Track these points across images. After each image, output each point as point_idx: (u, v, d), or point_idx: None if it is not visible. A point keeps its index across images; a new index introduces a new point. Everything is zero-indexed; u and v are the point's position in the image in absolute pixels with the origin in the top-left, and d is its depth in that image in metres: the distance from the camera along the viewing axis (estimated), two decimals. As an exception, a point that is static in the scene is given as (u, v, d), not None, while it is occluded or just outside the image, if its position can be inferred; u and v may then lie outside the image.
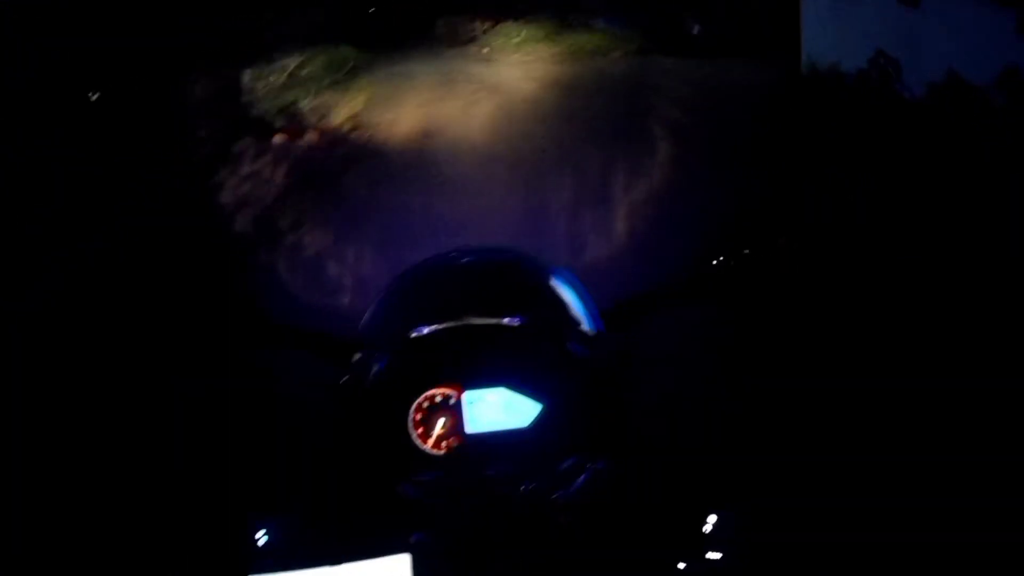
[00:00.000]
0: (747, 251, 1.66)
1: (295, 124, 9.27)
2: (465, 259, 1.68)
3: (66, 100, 7.31)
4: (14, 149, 6.31)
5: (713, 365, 4.44)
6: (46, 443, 4.01)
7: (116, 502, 3.68)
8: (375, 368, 1.48)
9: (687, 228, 6.02)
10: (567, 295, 1.58)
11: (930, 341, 4.27)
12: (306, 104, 9.78)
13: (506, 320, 1.49)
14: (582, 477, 1.44)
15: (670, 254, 5.41)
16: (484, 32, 12.42)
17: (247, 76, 9.73)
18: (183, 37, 8.66)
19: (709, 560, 1.44)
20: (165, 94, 8.30)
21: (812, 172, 6.74)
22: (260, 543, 1.44)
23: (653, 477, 1.53)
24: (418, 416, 1.49)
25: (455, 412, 1.49)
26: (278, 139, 8.66)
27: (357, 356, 1.52)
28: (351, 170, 8.07)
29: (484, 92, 10.39)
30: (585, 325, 1.54)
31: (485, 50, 12.17)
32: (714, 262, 1.67)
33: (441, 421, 1.49)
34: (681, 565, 1.42)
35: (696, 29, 11.95)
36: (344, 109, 9.78)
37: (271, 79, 9.80)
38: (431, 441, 1.49)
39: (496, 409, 1.48)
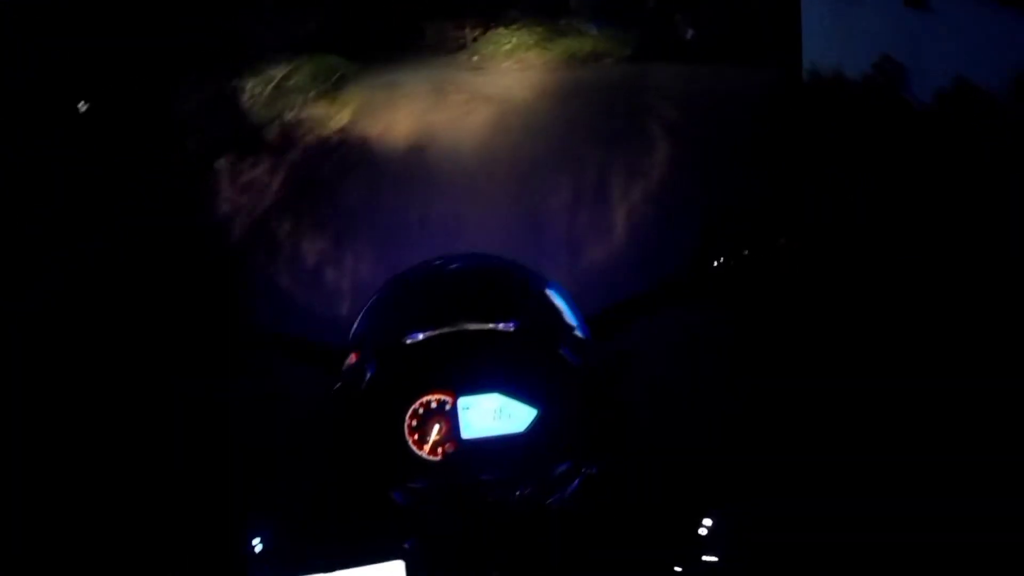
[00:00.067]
0: (746, 252, 1.71)
1: (282, 134, 9.37)
2: (454, 265, 1.73)
3: (66, 100, 7.48)
4: (14, 149, 6.47)
5: (710, 366, 4.57)
6: (46, 443, 4.12)
7: (115, 503, 3.78)
8: (368, 374, 1.52)
9: (684, 231, 6.06)
10: (558, 301, 1.63)
11: (929, 341, 4.38)
12: (293, 115, 9.89)
13: (500, 325, 1.53)
14: (576, 481, 1.50)
15: (667, 257, 5.44)
16: (474, 40, 12.62)
17: (234, 86, 9.83)
18: (177, 39, 8.78)
19: (706, 562, 1.49)
20: (157, 98, 8.43)
21: (812, 173, 6.85)
22: (254, 549, 1.49)
23: (648, 480, 1.65)
24: (413, 422, 1.51)
25: (450, 418, 1.51)
26: (266, 148, 8.74)
27: (350, 362, 1.56)
28: (339, 179, 8.12)
29: (476, 103, 10.50)
30: (577, 331, 1.59)
31: (475, 58, 12.34)
32: (714, 263, 1.70)
33: (436, 427, 1.50)
34: (678, 568, 1.48)
35: (690, 33, 12.06)
36: (332, 121, 9.90)
37: (257, 90, 9.90)
38: (426, 447, 1.50)
39: (491, 414, 1.52)
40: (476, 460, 1.50)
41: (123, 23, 8.19)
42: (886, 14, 8.58)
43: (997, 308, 4.59)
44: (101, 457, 4.08)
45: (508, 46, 12.29)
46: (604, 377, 1.56)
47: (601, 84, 11.00)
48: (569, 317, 1.58)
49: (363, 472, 1.53)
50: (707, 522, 1.52)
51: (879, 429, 3.83)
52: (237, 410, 4.20)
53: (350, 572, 1.42)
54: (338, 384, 1.55)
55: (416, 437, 1.50)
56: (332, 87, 10.77)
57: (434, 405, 1.50)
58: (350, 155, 8.93)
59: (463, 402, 1.50)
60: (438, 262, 1.71)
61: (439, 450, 1.50)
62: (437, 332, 1.50)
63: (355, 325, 1.61)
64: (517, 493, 1.48)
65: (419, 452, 1.50)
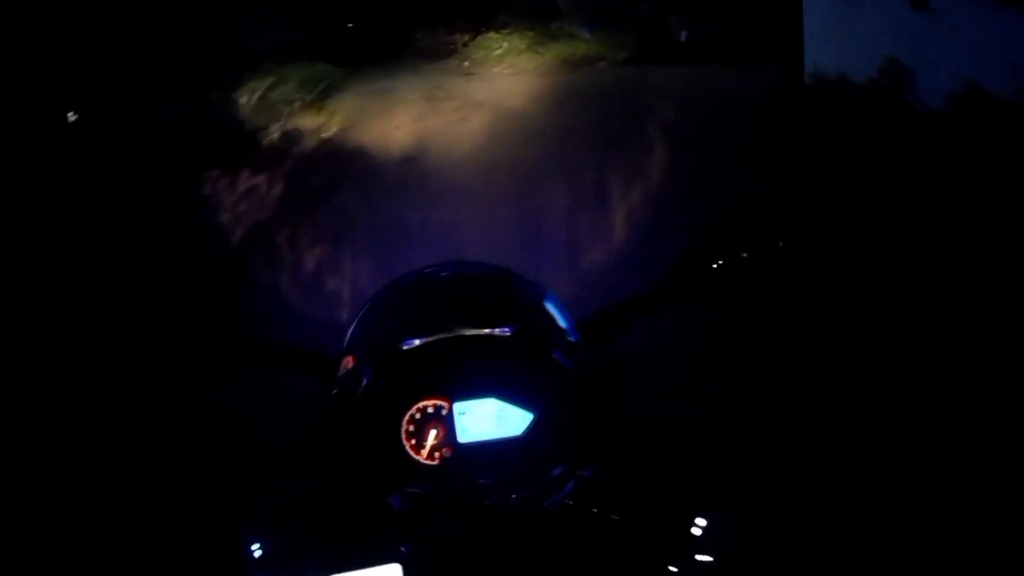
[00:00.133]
0: (745, 255, 1.77)
1: (270, 144, 9.46)
2: (446, 272, 1.79)
3: (66, 100, 7.58)
4: (14, 149, 6.57)
5: (707, 368, 4.68)
6: (46, 443, 4.21)
7: (115, 503, 3.87)
8: (365, 380, 1.56)
9: (684, 235, 6.07)
10: (550, 307, 1.69)
11: (929, 345, 4.48)
12: (280, 124, 9.97)
13: (496, 331, 1.58)
14: (572, 484, 1.57)
15: (666, 262, 5.42)
16: (464, 45, 12.73)
17: (220, 94, 9.93)
18: (172, 41, 8.89)
19: (701, 564, 1.56)
20: (155, 99, 8.56)
21: (813, 175, 6.97)
22: (252, 554, 1.55)
23: (644, 481, 1.67)
24: (410, 427, 1.56)
25: (446, 423, 1.57)
26: (254, 158, 8.82)
27: (346, 369, 1.61)
28: (327, 192, 8.18)
29: (467, 109, 10.60)
30: (570, 335, 1.65)
31: (466, 63, 12.44)
32: (712, 265, 1.77)
33: (433, 432, 1.56)
34: (673, 568, 1.54)
35: (684, 36, 12.16)
36: (319, 130, 9.97)
37: (243, 99, 9.99)
38: (424, 452, 1.56)
39: (487, 419, 1.57)
40: (473, 464, 1.55)
41: (118, 24, 8.34)
42: (890, 15, 8.62)
43: (1002, 312, 4.70)
44: (101, 457, 4.17)
45: (499, 51, 12.40)
46: (600, 380, 1.62)
47: (595, 89, 11.09)
48: (562, 322, 1.64)
49: (360, 477, 1.58)
50: (701, 522, 1.58)
51: (876, 432, 3.92)
52: (236, 412, 4.27)
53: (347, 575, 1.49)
54: (335, 390, 1.60)
55: (413, 442, 1.55)
56: (320, 95, 10.83)
57: (431, 410, 1.55)
58: (338, 166, 8.95)
59: (459, 407, 1.56)
60: (430, 269, 1.77)
61: (436, 455, 1.55)
62: (433, 338, 1.56)
63: (350, 332, 1.67)
64: (513, 496, 1.53)
65: (416, 457, 1.55)
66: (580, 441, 1.57)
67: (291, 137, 9.82)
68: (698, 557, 1.56)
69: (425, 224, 7.05)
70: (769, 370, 4.48)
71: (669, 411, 4.12)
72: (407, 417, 1.55)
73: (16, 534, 3.67)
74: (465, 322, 1.58)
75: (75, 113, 7.71)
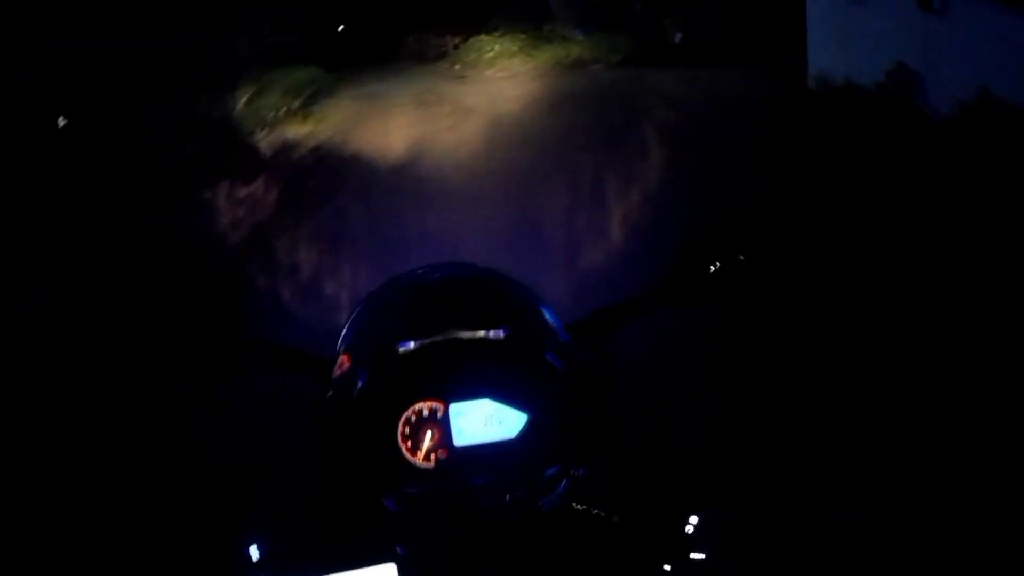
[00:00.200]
0: (743, 257, 1.83)
1: (256, 152, 9.45)
2: (438, 275, 1.84)
3: (66, 100, 7.66)
4: (14, 149, 6.70)
5: (701, 368, 4.82)
6: (46, 443, 4.31)
7: (114, 503, 3.98)
8: (360, 383, 1.61)
9: (682, 238, 6.13)
10: (541, 308, 1.74)
11: (930, 350, 4.57)
12: (266, 130, 9.98)
13: (491, 333, 1.63)
14: (566, 483, 1.62)
15: (665, 268, 5.43)
16: (455, 47, 12.75)
17: (203, 100, 9.91)
18: (164, 42, 8.95)
19: (694, 562, 1.61)
20: (153, 100, 8.69)
21: (816, 180, 7.02)
22: (249, 555, 1.60)
23: (638, 481, 1.74)
24: (405, 430, 1.60)
25: (442, 425, 1.60)
26: (243, 165, 8.85)
27: (341, 371, 1.66)
28: (316, 202, 8.24)
29: (459, 115, 10.60)
30: (562, 337, 1.70)
31: (457, 66, 12.48)
32: (711, 268, 1.83)
33: (429, 434, 1.60)
34: (667, 568, 1.60)
35: (679, 37, 12.22)
36: (307, 138, 9.96)
37: (229, 105, 9.99)
38: (420, 454, 1.60)
39: (482, 421, 1.61)
40: (468, 466, 1.59)
41: (115, 25, 8.44)
42: (898, 17, 8.51)
43: (1004, 316, 4.80)
44: (101, 457, 4.26)
45: (491, 54, 12.45)
46: (593, 380, 1.67)
47: (591, 92, 11.08)
48: (554, 324, 1.71)
49: (356, 479, 1.63)
50: (695, 521, 1.64)
51: (874, 433, 4.04)
52: (233, 413, 4.33)
53: None
54: (330, 392, 1.66)
55: (409, 444, 1.59)
56: (308, 100, 10.86)
57: (426, 413, 1.59)
58: (326, 177, 8.95)
59: (455, 409, 1.60)
60: (423, 271, 1.84)
61: (432, 457, 1.59)
62: (428, 341, 1.61)
63: (343, 334, 1.73)
64: (508, 497, 1.59)
65: (412, 459, 1.59)
66: (574, 441, 1.62)
67: (277, 146, 9.78)
68: (693, 556, 1.62)
69: (416, 238, 7.05)
70: (763, 373, 4.63)
71: (663, 411, 4.23)
72: (403, 420, 1.59)
73: (16, 534, 3.76)
74: (459, 324, 1.63)
75: (64, 119, 7.79)
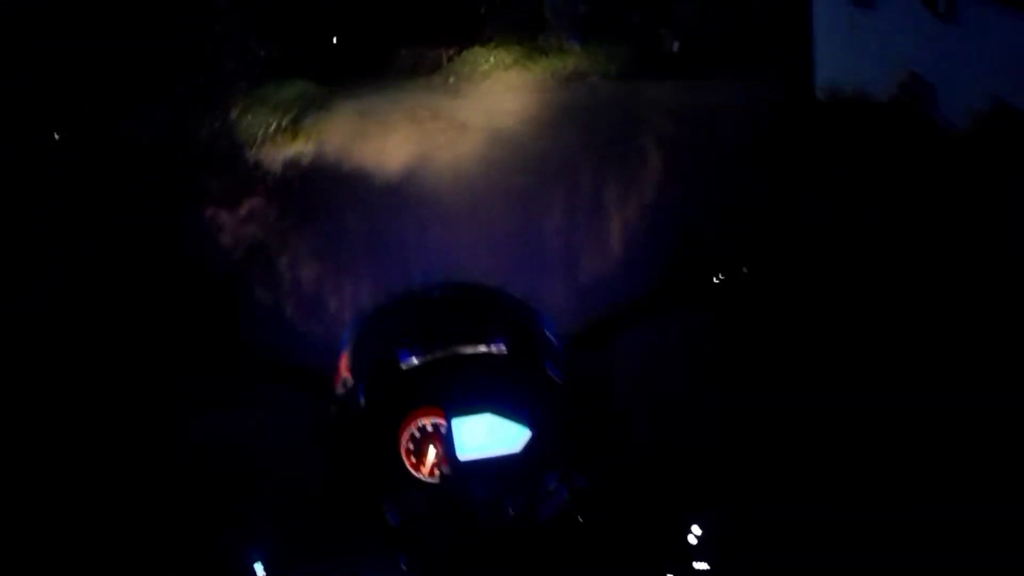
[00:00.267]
0: (746, 269, 1.93)
1: (244, 170, 9.29)
2: (438, 291, 1.95)
3: (66, 100, 7.71)
4: (14, 149, 6.83)
5: (701, 375, 4.89)
6: (46, 443, 4.43)
7: (114, 504, 4.10)
8: (363, 398, 1.69)
9: (680, 247, 6.28)
10: (540, 323, 1.83)
11: (931, 352, 4.60)
12: (254, 147, 9.88)
13: (493, 348, 1.70)
14: (566, 494, 1.70)
15: (661, 275, 5.66)
16: (449, 60, 12.78)
17: (186, 118, 9.70)
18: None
19: (695, 568, 1.67)
20: (152, 101, 8.72)
21: (817, 182, 7.02)
22: (253, 568, 1.65)
23: (637, 489, 1.81)
24: (409, 444, 1.68)
25: (445, 440, 1.67)
26: (218, 193, 8.66)
27: (343, 386, 1.73)
28: (299, 225, 8.16)
29: (454, 132, 10.52)
30: (561, 350, 1.79)
31: (451, 79, 12.49)
32: (715, 279, 1.92)
33: (432, 448, 1.68)
34: (669, 574, 1.67)
35: (677, 47, 12.20)
36: (295, 155, 9.86)
37: (217, 124, 9.84)
38: (424, 469, 1.68)
39: (484, 434, 1.67)
40: (471, 478, 1.67)
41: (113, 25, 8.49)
42: (910, 26, 8.45)
43: (1009, 321, 4.86)
44: (101, 458, 4.39)
45: (486, 66, 12.50)
46: (592, 391, 1.77)
47: (590, 106, 11.02)
48: (552, 337, 1.82)
49: (358, 493, 1.71)
50: (695, 526, 1.71)
51: (874, 435, 4.14)
52: (236, 431, 4.47)
53: None
54: (333, 407, 1.74)
55: (413, 459, 1.70)
56: (298, 116, 10.77)
57: (429, 428, 1.70)
58: (315, 200, 8.83)
59: (457, 423, 1.68)
60: (421, 288, 1.98)
61: (436, 470, 1.70)
62: (430, 356, 1.71)
63: (345, 350, 1.82)
64: (510, 508, 1.65)
65: (417, 473, 1.70)
66: (574, 452, 1.72)
67: (264, 167, 9.64)
68: (693, 562, 1.69)
69: (411, 269, 6.90)
70: (763, 379, 4.68)
71: (663, 413, 4.34)
72: (407, 434, 1.69)
73: (16, 534, 3.88)
74: (460, 339, 1.72)
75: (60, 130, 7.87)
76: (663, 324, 1.94)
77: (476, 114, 11.08)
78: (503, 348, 1.70)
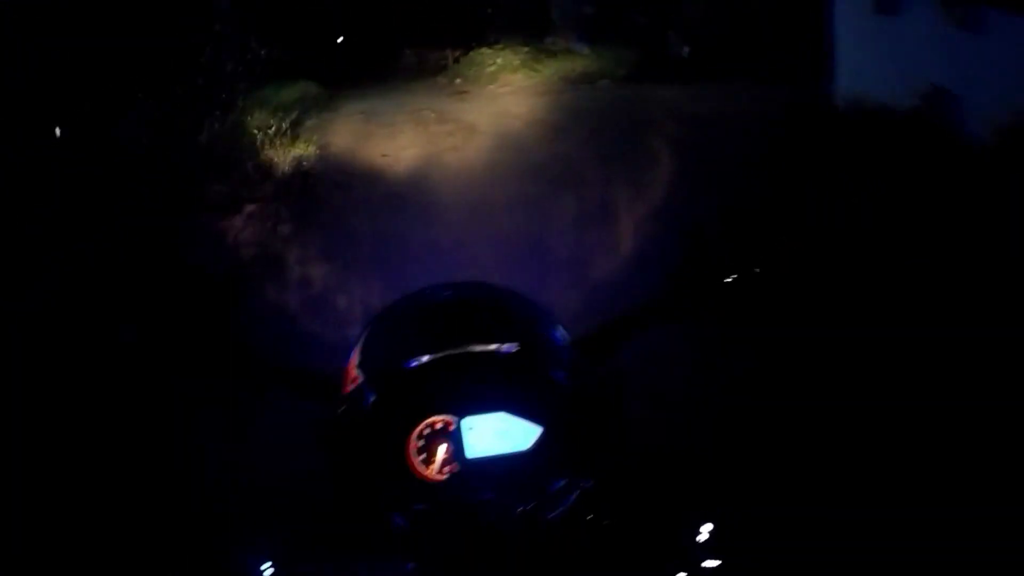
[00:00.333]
0: (758, 270, 1.91)
1: (237, 181, 9.24)
2: (448, 293, 1.94)
3: (66, 100, 7.85)
4: (14, 149, 6.98)
5: (708, 377, 4.98)
6: (46, 443, 4.50)
7: (115, 504, 4.15)
8: (370, 398, 1.68)
9: (689, 250, 6.35)
10: (550, 324, 1.83)
11: (928, 352, 4.70)
12: (252, 158, 9.73)
13: (503, 347, 1.70)
14: (574, 495, 1.69)
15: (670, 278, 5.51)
16: (455, 61, 12.96)
17: (188, 120, 9.64)
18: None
19: (705, 569, 1.67)
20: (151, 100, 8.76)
21: (841, 205, 6.93)
22: (254, 570, 1.66)
23: (644, 490, 1.81)
24: (419, 443, 1.66)
25: (453, 439, 1.67)
26: (218, 199, 8.66)
27: (351, 387, 1.71)
28: (301, 240, 7.98)
29: (460, 135, 10.49)
30: (571, 352, 1.78)
31: (457, 81, 12.62)
32: (726, 281, 1.91)
33: (442, 448, 1.66)
34: (678, 575, 1.66)
35: (686, 51, 12.21)
36: (297, 164, 9.74)
37: (216, 126, 9.84)
38: (433, 468, 1.66)
39: (493, 435, 1.69)
40: (478, 480, 1.68)
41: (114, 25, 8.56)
42: (933, 36, 8.40)
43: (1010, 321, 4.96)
44: (101, 458, 4.45)
45: (492, 67, 12.65)
46: (602, 393, 1.77)
47: (600, 110, 10.99)
48: (562, 339, 1.81)
49: (366, 495, 1.71)
50: (704, 527, 1.72)
51: (874, 435, 4.20)
52: (240, 434, 4.54)
53: None
54: (340, 409, 1.72)
55: (421, 459, 1.68)
56: (301, 118, 10.76)
57: (438, 427, 1.68)
58: (318, 208, 8.69)
59: (466, 423, 1.69)
60: (432, 290, 1.95)
61: (444, 471, 1.67)
62: (439, 355, 1.70)
63: (354, 352, 1.80)
64: (519, 510, 1.65)
65: (424, 474, 1.68)
66: (583, 454, 1.71)
67: (265, 172, 9.52)
68: (702, 562, 1.68)
69: (406, 272, 6.84)
70: (768, 380, 4.78)
71: (670, 420, 4.42)
72: (416, 433, 1.67)
73: (16, 534, 3.95)
74: (470, 339, 1.73)
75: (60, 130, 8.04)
76: (673, 326, 1.88)
77: (483, 117, 11.06)
78: (514, 348, 1.70)
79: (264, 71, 10.86)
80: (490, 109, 11.41)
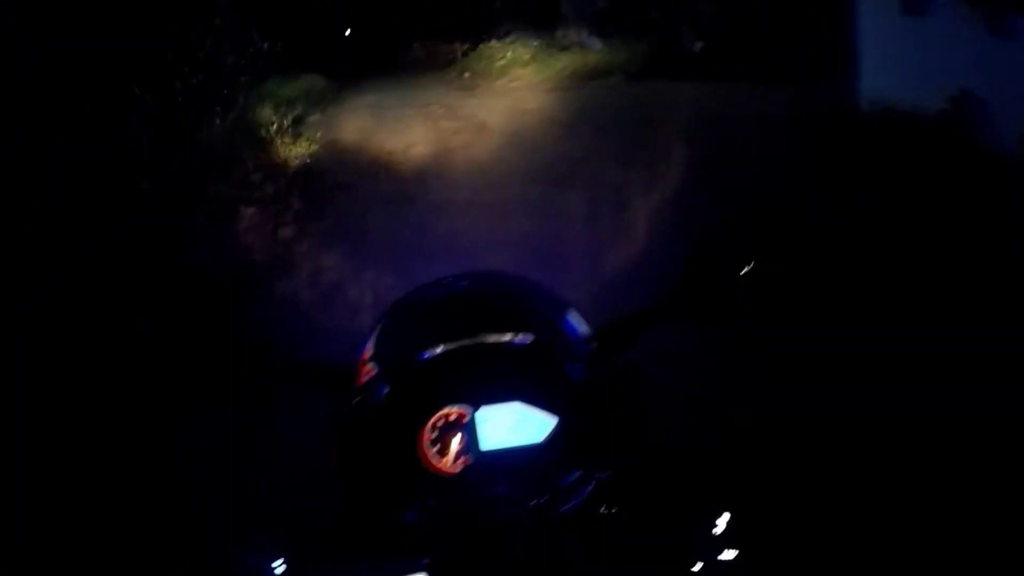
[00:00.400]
0: (771, 266, 1.92)
1: (245, 172, 9.20)
2: (464, 283, 1.94)
3: (66, 100, 7.86)
4: (14, 149, 7.01)
5: (721, 373, 5.04)
6: (46, 443, 4.56)
7: (115, 504, 4.21)
8: (385, 389, 1.69)
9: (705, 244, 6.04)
10: (567, 315, 1.84)
11: (929, 352, 4.74)
12: (257, 144, 9.77)
13: (518, 338, 1.72)
14: (588, 488, 1.71)
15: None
16: (463, 55, 12.89)
17: (188, 116, 9.58)
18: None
19: (720, 563, 1.68)
20: (151, 100, 8.75)
21: (863, 208, 6.95)
22: (272, 572, 1.67)
23: (659, 484, 1.80)
24: (432, 435, 1.67)
25: (467, 431, 1.68)
26: (217, 198, 8.63)
27: (365, 379, 1.73)
28: (302, 243, 7.97)
29: (469, 132, 10.44)
30: (588, 344, 1.79)
31: (466, 75, 12.56)
32: (744, 270, 1.93)
33: (456, 440, 1.67)
34: (694, 570, 1.67)
35: (698, 47, 12.16)
36: (300, 162, 9.70)
37: (217, 121, 9.79)
38: (447, 459, 1.66)
39: (508, 427, 1.70)
40: (492, 472, 1.70)
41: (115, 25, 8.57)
42: (963, 37, 8.26)
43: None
44: (101, 458, 4.50)
45: (502, 62, 12.60)
46: (617, 386, 1.79)
47: (614, 107, 10.87)
48: (580, 331, 1.82)
49: (379, 488, 1.73)
50: (719, 521, 1.72)
51: (875, 435, 4.25)
52: (253, 427, 4.54)
53: None
54: (354, 400, 1.75)
55: (436, 449, 1.69)
56: (305, 114, 10.73)
57: (452, 418, 1.69)
58: (320, 209, 8.62)
59: (480, 415, 1.70)
60: (447, 280, 1.96)
61: (458, 462, 1.69)
62: (454, 345, 1.72)
63: (369, 342, 1.82)
64: (532, 503, 1.66)
65: (438, 466, 1.69)
66: (599, 447, 1.73)
67: (267, 171, 9.43)
68: (718, 556, 1.69)
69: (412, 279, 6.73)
70: (779, 377, 4.85)
71: (684, 415, 4.39)
72: (429, 425, 1.68)
73: (16, 534, 3.99)
74: (485, 330, 1.74)
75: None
76: (687, 322, 1.91)
77: (493, 113, 10.98)
78: (529, 339, 1.71)
79: (267, 65, 10.75)
80: (500, 105, 11.33)
